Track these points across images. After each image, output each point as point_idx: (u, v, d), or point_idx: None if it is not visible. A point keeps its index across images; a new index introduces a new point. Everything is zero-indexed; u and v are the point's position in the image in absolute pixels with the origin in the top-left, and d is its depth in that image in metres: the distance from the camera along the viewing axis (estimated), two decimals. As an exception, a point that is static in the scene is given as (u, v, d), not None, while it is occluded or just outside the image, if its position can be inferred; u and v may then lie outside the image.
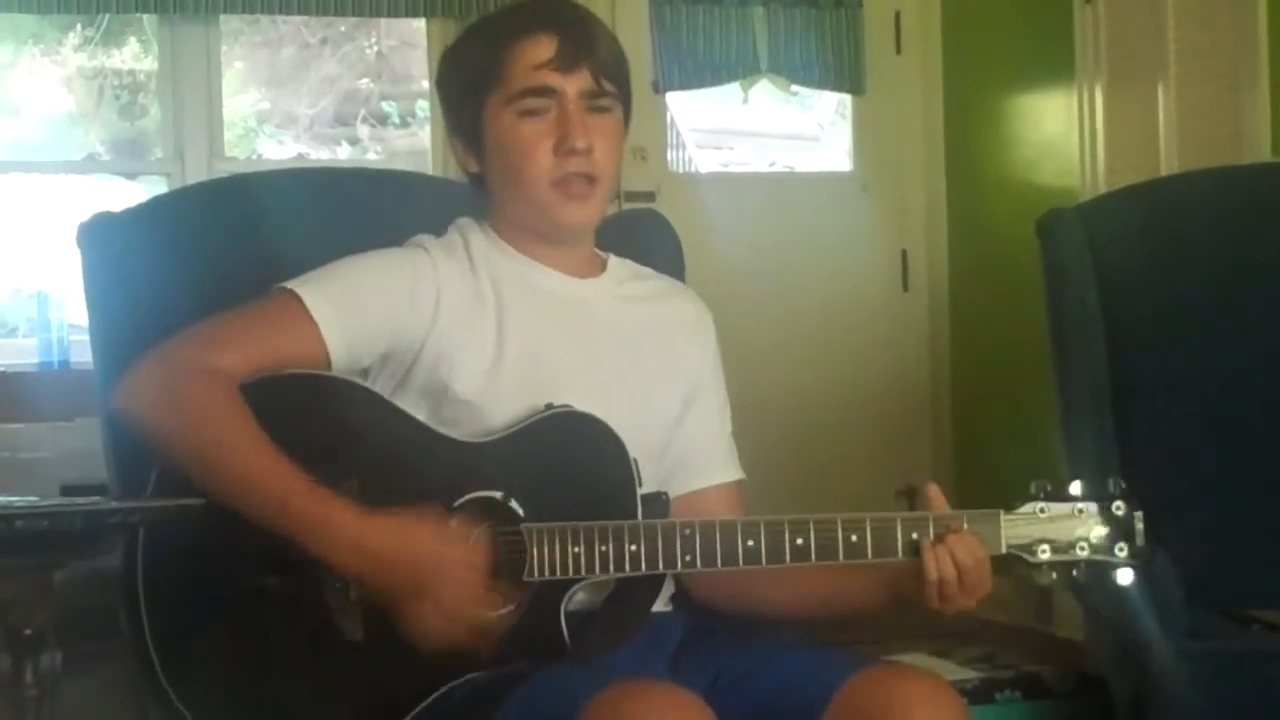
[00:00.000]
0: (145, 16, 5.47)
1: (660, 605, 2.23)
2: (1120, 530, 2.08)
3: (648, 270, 2.40)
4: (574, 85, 2.18)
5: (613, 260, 2.35)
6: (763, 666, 2.10)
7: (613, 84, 2.21)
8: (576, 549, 2.05)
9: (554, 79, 2.18)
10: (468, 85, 2.24)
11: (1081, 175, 4.92)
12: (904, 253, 5.82)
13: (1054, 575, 2.09)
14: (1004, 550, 2.08)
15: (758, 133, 6.12)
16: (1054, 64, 5.09)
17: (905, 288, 5.83)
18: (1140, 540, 2.08)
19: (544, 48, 2.18)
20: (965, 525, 2.07)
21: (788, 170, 6.17)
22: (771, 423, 5.22)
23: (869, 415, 5.64)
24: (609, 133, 2.22)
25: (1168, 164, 4.49)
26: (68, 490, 3.62)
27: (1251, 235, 3.08)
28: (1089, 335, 2.98)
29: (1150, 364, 3.00)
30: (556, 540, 2.05)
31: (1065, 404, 2.96)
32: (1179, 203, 3.23)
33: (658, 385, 2.28)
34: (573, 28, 2.20)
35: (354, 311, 2.15)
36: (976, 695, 3.15)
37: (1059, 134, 5.11)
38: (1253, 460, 2.97)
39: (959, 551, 2.05)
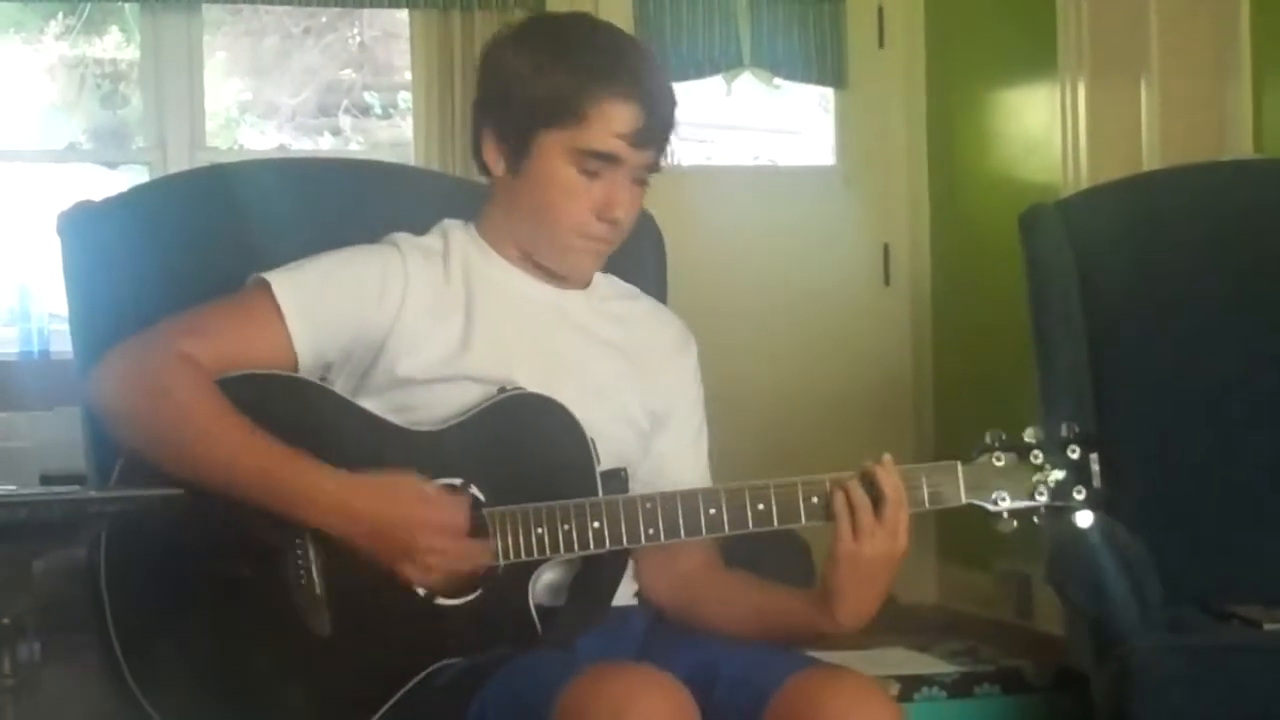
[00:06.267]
0: (127, 5, 5.47)
1: (625, 599, 2.23)
2: (1077, 474, 2.08)
3: (636, 290, 2.38)
4: (639, 159, 2.17)
5: (599, 276, 2.32)
6: (713, 665, 2.09)
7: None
8: (540, 530, 2.05)
9: (625, 151, 2.15)
10: (534, 105, 2.16)
11: (1064, 170, 4.93)
12: (886, 247, 5.83)
13: (1015, 523, 2.09)
14: (963, 501, 2.08)
15: (740, 126, 6.12)
16: (1037, 58, 5.09)
17: (887, 282, 5.83)
18: (1097, 482, 2.08)
19: (628, 118, 2.14)
20: (924, 478, 2.07)
21: (770, 164, 6.17)
22: (752, 417, 5.23)
23: (850, 409, 5.64)
24: (639, 203, 2.22)
25: (1150, 159, 4.50)
26: (47, 479, 3.62)
27: (1233, 230, 3.09)
28: (1070, 330, 2.98)
29: (1131, 359, 3.00)
30: (519, 523, 2.05)
31: (1046, 398, 2.96)
32: (1161, 198, 3.24)
33: (622, 393, 2.26)
34: (658, 102, 2.16)
35: (321, 303, 2.15)
36: (956, 689, 3.14)
37: (1041, 128, 5.12)
38: (1233, 456, 2.97)
39: (880, 478, 2.04)
